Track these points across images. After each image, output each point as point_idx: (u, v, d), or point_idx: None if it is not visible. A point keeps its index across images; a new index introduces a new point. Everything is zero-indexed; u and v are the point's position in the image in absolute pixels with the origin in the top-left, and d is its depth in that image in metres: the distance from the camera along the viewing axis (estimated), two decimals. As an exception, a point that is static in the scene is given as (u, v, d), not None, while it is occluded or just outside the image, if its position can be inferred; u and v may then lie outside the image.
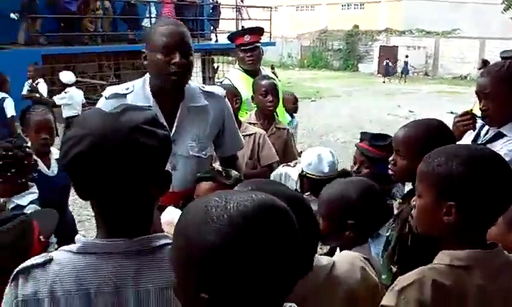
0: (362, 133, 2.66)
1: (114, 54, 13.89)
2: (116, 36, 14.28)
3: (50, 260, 1.03)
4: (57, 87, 12.18)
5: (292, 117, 5.46)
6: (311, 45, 33.83)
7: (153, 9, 14.17)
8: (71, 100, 8.83)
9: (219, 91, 2.29)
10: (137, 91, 2.10)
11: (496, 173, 1.23)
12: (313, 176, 2.52)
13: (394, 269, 1.77)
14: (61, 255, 1.05)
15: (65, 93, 8.88)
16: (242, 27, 16.22)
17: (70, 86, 8.83)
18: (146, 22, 13.99)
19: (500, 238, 1.38)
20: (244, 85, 3.55)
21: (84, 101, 9.23)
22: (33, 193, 2.51)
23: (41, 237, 1.56)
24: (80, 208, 5.05)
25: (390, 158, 1.89)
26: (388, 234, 1.85)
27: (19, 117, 3.20)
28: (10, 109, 6.57)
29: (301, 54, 34.20)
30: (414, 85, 23.53)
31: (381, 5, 32.84)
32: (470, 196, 1.22)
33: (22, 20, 11.96)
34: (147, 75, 2.13)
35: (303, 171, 2.59)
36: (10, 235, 1.50)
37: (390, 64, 26.62)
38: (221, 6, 16.86)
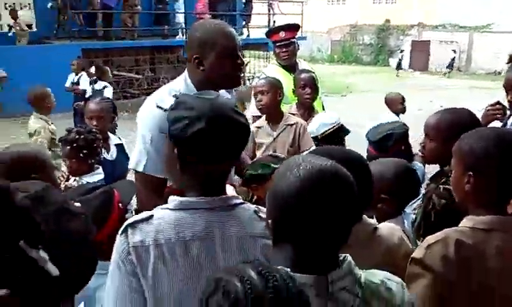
0: (367, 134, 2.88)
1: (150, 48, 14.30)
2: (151, 31, 14.72)
3: (151, 216, 1.32)
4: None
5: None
6: (341, 40, 33.71)
7: (181, 5, 14.43)
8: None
9: None
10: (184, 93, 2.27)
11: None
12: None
13: (419, 243, 2.00)
14: (160, 212, 1.33)
15: None
16: (274, 22, 16.44)
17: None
18: (178, 18, 14.39)
19: None
20: (281, 79, 3.76)
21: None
22: (100, 174, 2.85)
23: (120, 205, 1.83)
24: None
25: (420, 142, 2.12)
26: (415, 211, 2.09)
27: (83, 106, 3.60)
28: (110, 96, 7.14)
29: (331, 48, 34.13)
30: (447, 80, 23.26)
31: (414, -1, 32.46)
32: (486, 167, 1.45)
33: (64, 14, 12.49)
34: (185, 75, 2.13)
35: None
36: (95, 202, 1.78)
37: (402, 58, 27.02)
38: (253, 1, 17.07)
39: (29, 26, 13.29)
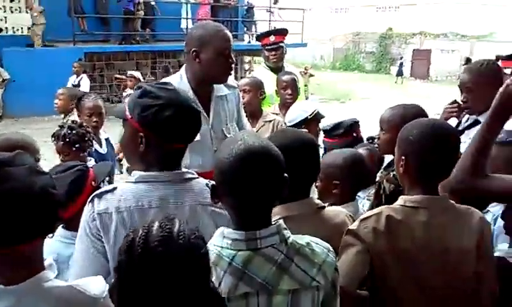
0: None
1: (151, 52, 14.56)
2: (153, 36, 14.99)
3: (115, 188, 1.53)
4: (98, 83, 12.99)
5: None
6: (344, 47, 33.96)
7: (187, 11, 14.74)
8: None
9: (233, 82, 2.72)
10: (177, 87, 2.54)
11: (439, 140, 1.63)
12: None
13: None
14: (123, 185, 1.54)
15: None
16: (275, 27, 16.65)
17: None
18: (183, 24, 14.66)
19: None
20: (268, 81, 3.93)
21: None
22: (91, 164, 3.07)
23: (93, 183, 2.03)
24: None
25: (375, 134, 2.32)
26: (370, 197, 2.28)
27: (75, 103, 3.76)
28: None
29: (333, 56, 34.38)
30: (449, 88, 23.41)
31: (417, 8, 32.64)
32: (412, 152, 1.65)
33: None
34: (182, 72, 2.49)
35: None
36: (69, 177, 1.97)
37: (404, 65, 27.16)
38: (254, 8, 17.33)
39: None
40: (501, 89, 1.61)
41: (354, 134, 3.06)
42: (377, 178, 2.31)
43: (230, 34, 2.44)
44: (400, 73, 26.43)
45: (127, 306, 1.07)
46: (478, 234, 1.63)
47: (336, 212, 1.81)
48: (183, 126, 1.51)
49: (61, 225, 1.93)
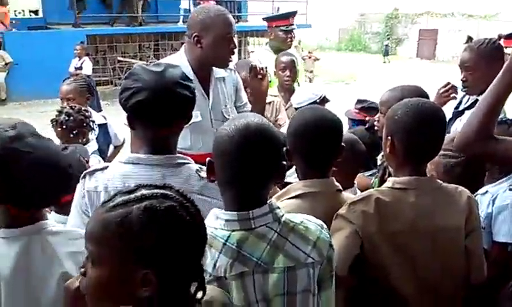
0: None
1: (154, 34, 14.45)
2: (155, 17, 14.88)
3: (107, 167, 1.55)
4: (100, 65, 12.94)
5: None
6: (349, 28, 33.60)
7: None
8: None
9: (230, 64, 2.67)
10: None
11: (424, 121, 1.60)
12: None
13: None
14: (115, 164, 1.56)
15: None
16: (278, 8, 16.43)
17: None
18: (182, 4, 14.49)
19: None
20: (271, 63, 3.83)
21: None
22: (91, 146, 3.09)
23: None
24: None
25: (376, 117, 2.28)
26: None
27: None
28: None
29: (339, 36, 34.04)
30: (455, 68, 23.16)
31: (423, -13, 32.16)
32: (397, 132, 1.63)
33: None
34: (182, 52, 2.47)
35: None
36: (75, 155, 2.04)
37: (390, 45, 27.27)
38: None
39: (36, 12, 13.50)
40: None
41: None
42: (379, 162, 2.28)
43: (232, 19, 2.41)
44: (386, 53, 26.34)
45: None
46: (466, 212, 1.64)
47: (352, 196, 1.81)
48: (154, 109, 1.48)
49: (54, 210, 1.94)
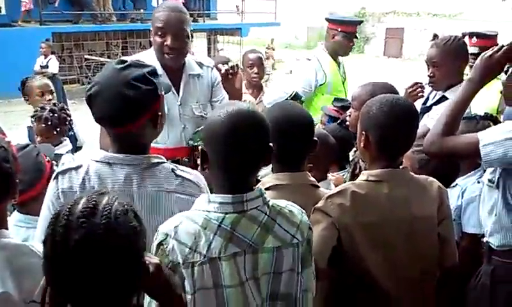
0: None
1: (121, 32, 14.24)
2: (124, 15, 14.64)
3: (80, 166, 1.50)
4: (67, 64, 12.67)
5: None
6: (318, 27, 33.87)
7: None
8: None
9: (207, 61, 2.66)
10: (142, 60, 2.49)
11: (396, 116, 1.65)
12: None
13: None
14: (89, 163, 1.51)
15: None
16: (237, 6, 16.40)
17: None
18: (154, 2, 14.31)
19: None
20: (331, 68, 3.77)
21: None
22: (67, 145, 3.04)
23: (48, 159, 2.03)
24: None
25: (347, 112, 2.32)
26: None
27: (21, 87, 3.59)
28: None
29: (307, 35, 34.28)
30: (421, 65, 23.66)
31: (389, -13, 32.71)
32: (370, 126, 1.67)
33: None
34: (153, 48, 2.41)
35: None
36: (30, 160, 1.94)
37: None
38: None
39: (-2, 9, 13.13)
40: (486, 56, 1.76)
41: None
42: (351, 157, 2.32)
43: (174, 15, 2.32)
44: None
45: (53, 280, 1.05)
46: (437, 201, 1.71)
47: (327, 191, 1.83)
48: (102, 108, 1.46)
49: (16, 209, 1.90)
